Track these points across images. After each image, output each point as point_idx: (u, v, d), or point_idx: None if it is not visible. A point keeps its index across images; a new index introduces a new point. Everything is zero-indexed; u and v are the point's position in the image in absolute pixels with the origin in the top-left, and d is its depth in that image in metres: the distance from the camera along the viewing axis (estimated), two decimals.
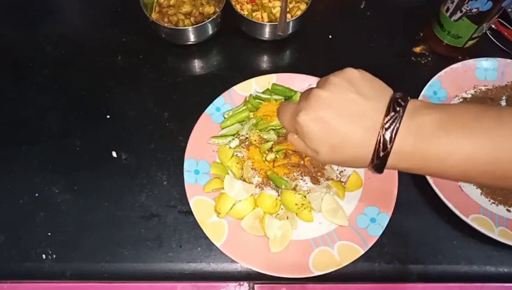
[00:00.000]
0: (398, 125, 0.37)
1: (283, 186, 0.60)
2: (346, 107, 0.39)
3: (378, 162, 0.39)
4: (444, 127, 0.37)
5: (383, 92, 0.41)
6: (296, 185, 0.61)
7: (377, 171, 0.40)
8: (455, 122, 0.37)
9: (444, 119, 0.37)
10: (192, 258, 0.57)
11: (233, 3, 0.71)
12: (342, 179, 0.62)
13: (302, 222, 0.59)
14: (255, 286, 0.62)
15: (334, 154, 0.40)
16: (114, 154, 0.64)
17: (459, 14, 0.66)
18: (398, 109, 0.38)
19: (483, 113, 0.37)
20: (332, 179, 0.61)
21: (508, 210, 0.60)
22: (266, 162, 0.62)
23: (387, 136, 0.37)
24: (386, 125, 0.38)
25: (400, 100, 0.39)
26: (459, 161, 0.37)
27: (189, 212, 0.58)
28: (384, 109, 0.38)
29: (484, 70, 0.69)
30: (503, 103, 0.68)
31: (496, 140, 0.36)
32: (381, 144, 0.38)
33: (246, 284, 0.61)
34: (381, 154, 0.38)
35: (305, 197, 0.58)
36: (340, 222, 0.58)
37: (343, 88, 0.40)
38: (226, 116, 0.65)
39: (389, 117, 0.38)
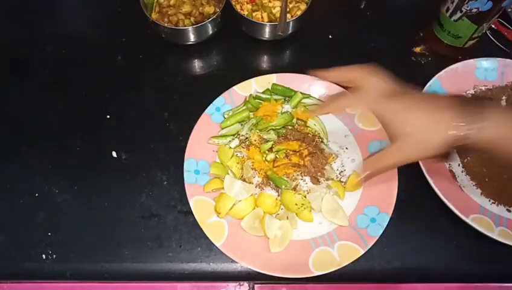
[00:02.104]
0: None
1: (283, 187, 0.60)
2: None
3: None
4: None
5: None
6: (296, 185, 0.61)
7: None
8: None
9: None
10: (192, 258, 0.57)
11: (233, 3, 0.71)
12: (341, 179, 0.62)
13: (302, 221, 0.59)
14: (255, 286, 0.62)
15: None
16: (114, 154, 0.64)
17: (459, 14, 0.66)
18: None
19: None
20: (332, 179, 0.61)
21: (508, 210, 0.60)
22: (266, 162, 0.62)
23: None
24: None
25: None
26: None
27: (189, 212, 0.58)
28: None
29: (484, 70, 0.69)
30: (503, 103, 0.68)
31: None
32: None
33: (246, 284, 0.61)
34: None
35: (305, 197, 0.58)
36: (340, 222, 0.58)
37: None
38: (226, 116, 0.65)
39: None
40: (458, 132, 0.45)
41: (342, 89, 0.66)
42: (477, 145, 0.45)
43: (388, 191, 0.59)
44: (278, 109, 0.65)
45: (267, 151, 0.62)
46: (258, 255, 0.56)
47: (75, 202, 0.61)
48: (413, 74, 0.72)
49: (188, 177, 0.60)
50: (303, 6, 0.72)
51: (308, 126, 0.65)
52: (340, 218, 0.58)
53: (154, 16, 0.72)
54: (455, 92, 0.67)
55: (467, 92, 0.69)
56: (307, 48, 0.75)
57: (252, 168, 0.62)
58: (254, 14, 0.72)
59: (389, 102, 0.49)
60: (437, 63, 0.71)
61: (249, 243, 0.57)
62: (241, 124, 0.65)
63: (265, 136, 0.63)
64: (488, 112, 0.45)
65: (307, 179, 0.61)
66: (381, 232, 0.57)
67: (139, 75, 0.71)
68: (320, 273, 0.54)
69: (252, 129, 0.64)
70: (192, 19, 0.72)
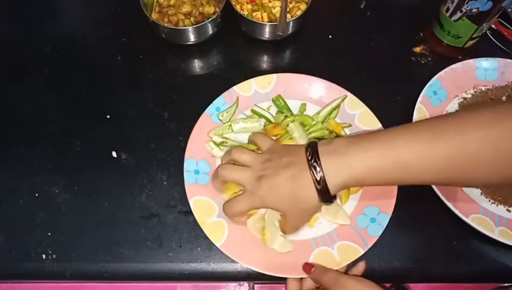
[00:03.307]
0: (318, 160, 0.46)
1: None
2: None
3: (324, 197, 0.47)
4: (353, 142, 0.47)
5: (295, 150, 0.50)
6: None
7: (329, 202, 0.48)
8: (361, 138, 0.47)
9: (353, 138, 0.47)
10: (192, 258, 0.57)
11: (233, 3, 0.71)
12: None
13: None
14: (255, 286, 0.62)
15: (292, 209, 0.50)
16: (114, 154, 0.64)
17: (459, 14, 0.66)
18: (310, 151, 0.47)
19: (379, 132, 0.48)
20: None
21: (508, 210, 0.60)
22: None
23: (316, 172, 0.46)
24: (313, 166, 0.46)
25: (308, 147, 0.48)
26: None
27: (189, 212, 0.58)
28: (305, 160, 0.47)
29: (484, 71, 0.69)
30: None
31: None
32: (316, 181, 0.46)
33: (246, 284, 0.62)
34: (320, 188, 0.46)
35: None
36: (341, 221, 0.58)
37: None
38: (220, 117, 0.65)
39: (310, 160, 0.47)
40: None
41: (342, 89, 0.66)
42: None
43: (388, 191, 0.59)
44: (280, 131, 0.63)
45: None
46: (258, 255, 0.56)
47: (75, 202, 0.61)
48: (413, 74, 0.72)
49: (188, 177, 0.60)
50: (303, 6, 0.72)
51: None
52: (341, 217, 0.58)
53: (154, 16, 0.72)
54: (454, 92, 0.67)
55: (467, 92, 0.69)
56: (307, 48, 0.75)
57: None
58: (254, 14, 0.72)
59: (259, 188, 0.50)
60: (437, 63, 0.71)
61: (249, 243, 0.57)
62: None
63: None
64: (322, 159, 0.46)
65: None
66: (381, 232, 0.57)
67: (139, 75, 0.71)
68: None
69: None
70: (192, 19, 0.72)
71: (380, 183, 0.47)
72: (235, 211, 0.52)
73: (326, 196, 0.46)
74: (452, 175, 0.45)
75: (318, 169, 0.46)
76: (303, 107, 0.66)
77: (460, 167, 0.43)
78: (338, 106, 0.65)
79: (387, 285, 0.59)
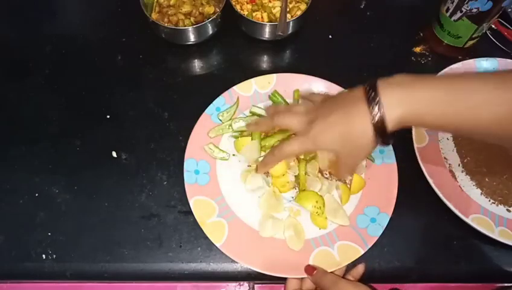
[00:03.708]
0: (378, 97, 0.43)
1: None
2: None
3: (380, 133, 0.44)
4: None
5: (352, 90, 0.48)
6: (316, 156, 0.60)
7: (383, 141, 0.45)
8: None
9: (416, 75, 0.44)
10: (192, 258, 0.57)
11: (233, 3, 0.71)
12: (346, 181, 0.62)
13: (302, 222, 0.59)
14: (255, 286, 0.62)
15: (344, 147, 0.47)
16: (114, 154, 0.64)
17: (459, 14, 0.66)
18: (370, 90, 0.44)
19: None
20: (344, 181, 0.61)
21: (508, 210, 0.60)
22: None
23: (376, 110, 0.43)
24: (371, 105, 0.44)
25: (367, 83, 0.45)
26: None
27: (189, 212, 0.58)
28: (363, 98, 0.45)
29: (484, 70, 0.69)
30: None
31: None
32: (372, 114, 0.43)
33: (246, 284, 0.61)
34: (375, 122, 0.43)
35: (322, 205, 0.58)
36: (341, 222, 0.58)
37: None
38: (220, 117, 0.65)
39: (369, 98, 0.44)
40: (371, 122, 0.44)
41: (342, 89, 0.66)
42: (404, 125, 0.45)
43: (388, 191, 0.59)
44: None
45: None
46: (258, 255, 0.56)
47: (75, 202, 0.61)
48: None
49: (188, 177, 0.60)
50: (303, 6, 0.72)
51: None
52: (341, 217, 0.58)
53: (154, 15, 0.72)
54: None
55: None
56: (307, 48, 0.75)
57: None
58: (254, 14, 0.72)
59: (311, 130, 0.48)
60: (437, 63, 0.71)
61: (249, 243, 0.57)
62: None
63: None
64: (382, 91, 0.44)
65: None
66: (381, 232, 0.57)
67: (139, 75, 0.71)
68: None
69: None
70: (192, 19, 0.72)
71: (436, 126, 0.45)
72: (285, 153, 0.51)
73: (381, 131, 0.44)
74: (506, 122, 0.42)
75: (376, 102, 0.43)
76: None
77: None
78: None
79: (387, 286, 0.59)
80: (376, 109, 0.43)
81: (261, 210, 0.59)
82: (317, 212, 0.57)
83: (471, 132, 0.45)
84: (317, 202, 0.57)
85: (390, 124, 0.43)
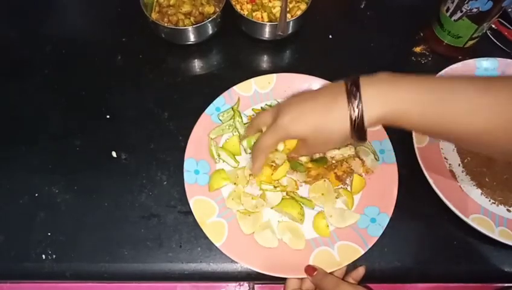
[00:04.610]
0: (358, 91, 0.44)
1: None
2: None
3: (357, 129, 0.44)
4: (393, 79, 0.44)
5: (332, 84, 0.48)
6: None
7: (359, 138, 0.45)
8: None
9: (398, 74, 0.44)
10: (192, 258, 0.57)
11: (233, 3, 0.71)
12: (346, 181, 0.62)
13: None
14: (255, 286, 0.62)
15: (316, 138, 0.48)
16: (114, 154, 0.64)
17: (459, 14, 0.66)
18: (350, 81, 0.45)
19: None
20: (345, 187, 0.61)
21: (508, 210, 0.60)
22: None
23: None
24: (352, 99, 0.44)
25: (348, 79, 0.45)
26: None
27: (189, 213, 0.58)
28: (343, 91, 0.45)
29: (484, 70, 0.69)
30: None
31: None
32: (352, 110, 0.44)
33: (246, 284, 0.61)
34: (354, 118, 0.44)
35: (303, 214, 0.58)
36: (353, 220, 0.57)
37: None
38: (220, 117, 0.65)
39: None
40: (348, 118, 0.44)
41: None
42: (383, 122, 0.45)
43: (388, 191, 0.59)
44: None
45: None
46: (258, 255, 0.56)
47: (74, 202, 0.61)
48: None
49: (188, 177, 0.60)
50: (303, 6, 0.72)
51: None
52: (350, 216, 0.58)
53: (154, 15, 0.72)
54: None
55: None
56: (306, 48, 0.75)
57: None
58: (254, 14, 0.72)
59: (282, 117, 0.48)
60: (437, 63, 0.71)
61: (249, 243, 0.57)
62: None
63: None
64: (364, 87, 0.44)
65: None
66: (381, 232, 0.57)
67: (139, 75, 0.71)
68: None
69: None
70: (192, 18, 0.72)
71: (416, 127, 0.45)
72: (262, 147, 0.52)
73: (359, 127, 0.44)
74: (495, 131, 0.41)
75: (357, 98, 0.43)
76: None
77: (503, 126, 0.40)
78: None
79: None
80: (355, 104, 0.43)
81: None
82: (300, 219, 0.58)
83: (454, 137, 0.44)
84: (300, 209, 0.58)
85: (368, 121, 0.44)
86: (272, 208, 0.59)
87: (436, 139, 0.64)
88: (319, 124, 0.46)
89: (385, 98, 0.43)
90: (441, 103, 0.42)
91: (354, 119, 0.44)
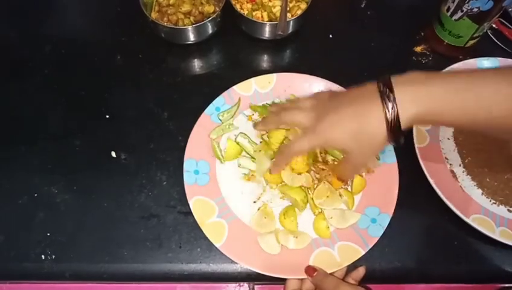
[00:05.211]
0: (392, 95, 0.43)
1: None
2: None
3: (394, 131, 0.43)
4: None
5: (363, 86, 0.47)
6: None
7: (396, 140, 0.44)
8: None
9: (430, 71, 0.44)
10: (192, 258, 0.57)
11: (233, 3, 0.71)
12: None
13: (302, 222, 0.58)
14: (255, 286, 0.62)
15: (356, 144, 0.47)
16: (113, 154, 0.64)
17: (459, 14, 0.66)
18: (382, 82, 0.44)
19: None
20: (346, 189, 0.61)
21: (509, 210, 0.60)
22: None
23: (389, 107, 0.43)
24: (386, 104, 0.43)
25: (379, 79, 0.45)
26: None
27: (189, 213, 0.58)
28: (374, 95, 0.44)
29: None
30: None
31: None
32: (386, 112, 0.43)
33: (245, 285, 0.61)
34: (390, 120, 0.43)
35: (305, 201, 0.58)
36: (354, 220, 0.57)
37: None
38: (220, 117, 0.65)
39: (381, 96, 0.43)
40: (383, 120, 0.43)
41: (342, 89, 0.66)
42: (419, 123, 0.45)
43: (389, 192, 0.59)
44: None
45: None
46: (258, 256, 0.56)
47: (74, 202, 0.61)
48: None
49: (188, 177, 0.60)
50: (303, 6, 0.72)
51: None
52: (351, 216, 0.58)
53: (153, 15, 0.72)
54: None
55: None
56: (307, 47, 0.75)
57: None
58: (254, 13, 0.72)
59: (320, 125, 0.48)
60: (438, 63, 0.71)
61: (249, 243, 0.57)
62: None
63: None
64: (396, 88, 0.43)
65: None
66: (382, 232, 0.56)
67: (139, 75, 0.71)
68: None
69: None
70: (191, 18, 0.71)
71: (453, 123, 0.45)
72: (294, 151, 0.51)
73: (395, 130, 0.43)
74: None
75: (391, 99, 0.42)
76: None
77: None
78: None
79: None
80: (390, 106, 0.42)
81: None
82: (302, 206, 0.58)
83: (487, 126, 0.43)
84: (304, 196, 0.58)
85: (404, 122, 0.43)
86: (277, 187, 0.60)
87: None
88: (356, 130, 0.45)
89: (419, 97, 0.42)
90: (475, 98, 0.41)
91: (390, 121, 0.43)
